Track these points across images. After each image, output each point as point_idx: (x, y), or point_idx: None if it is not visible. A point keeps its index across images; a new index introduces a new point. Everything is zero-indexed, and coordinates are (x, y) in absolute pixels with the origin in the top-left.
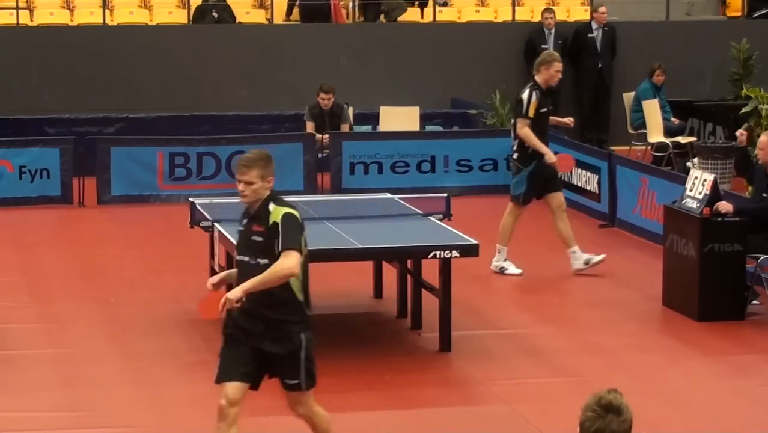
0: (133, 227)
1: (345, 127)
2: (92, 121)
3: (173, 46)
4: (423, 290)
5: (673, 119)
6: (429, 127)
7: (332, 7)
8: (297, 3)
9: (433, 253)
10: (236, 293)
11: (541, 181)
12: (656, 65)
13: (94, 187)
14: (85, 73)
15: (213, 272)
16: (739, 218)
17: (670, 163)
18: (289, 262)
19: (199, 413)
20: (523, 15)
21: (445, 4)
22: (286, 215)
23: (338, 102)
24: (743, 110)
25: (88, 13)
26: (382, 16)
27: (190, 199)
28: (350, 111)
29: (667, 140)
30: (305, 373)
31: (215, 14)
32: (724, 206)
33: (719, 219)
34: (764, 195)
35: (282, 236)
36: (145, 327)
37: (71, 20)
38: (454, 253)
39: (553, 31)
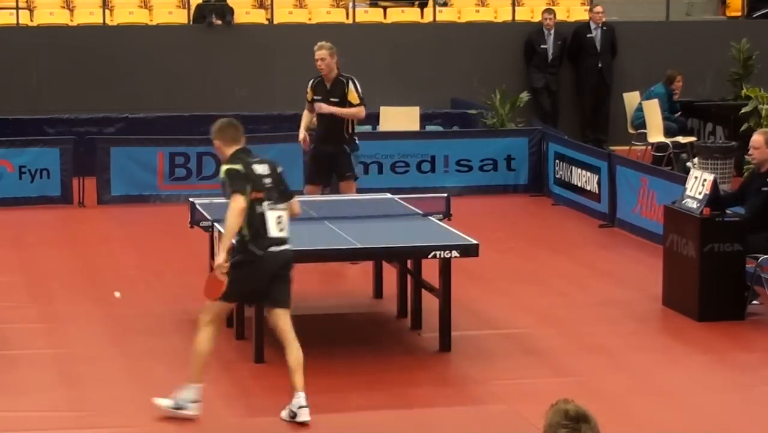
0: (133, 227)
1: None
2: (92, 121)
3: (173, 46)
4: (423, 290)
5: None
6: (429, 127)
7: None
8: None
9: (433, 253)
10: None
11: None
12: (676, 73)
13: (94, 187)
14: (85, 73)
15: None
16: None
17: (670, 163)
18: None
19: (199, 413)
20: (522, 15)
21: (445, 4)
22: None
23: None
24: (743, 110)
25: (88, 13)
26: None
27: (190, 199)
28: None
29: (667, 140)
30: None
31: (215, 19)
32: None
33: (719, 219)
34: (763, 188)
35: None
36: (145, 327)
37: (71, 20)
38: (454, 253)
39: (552, 32)
